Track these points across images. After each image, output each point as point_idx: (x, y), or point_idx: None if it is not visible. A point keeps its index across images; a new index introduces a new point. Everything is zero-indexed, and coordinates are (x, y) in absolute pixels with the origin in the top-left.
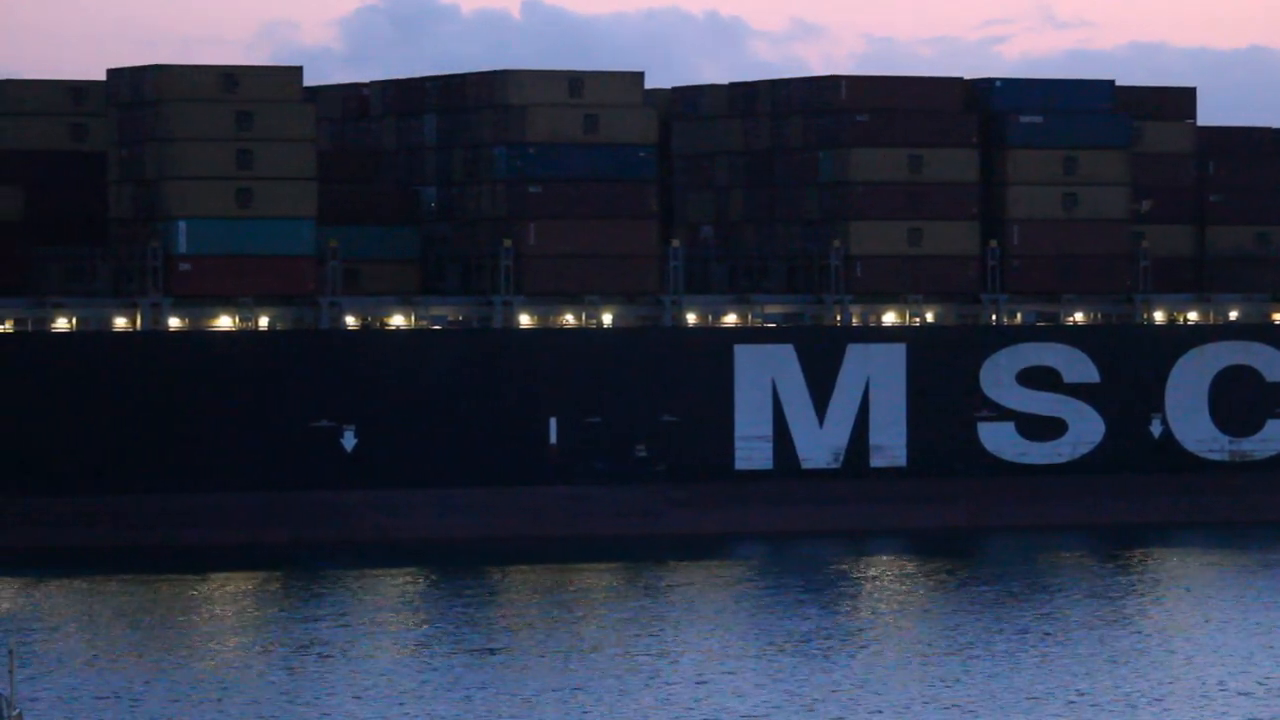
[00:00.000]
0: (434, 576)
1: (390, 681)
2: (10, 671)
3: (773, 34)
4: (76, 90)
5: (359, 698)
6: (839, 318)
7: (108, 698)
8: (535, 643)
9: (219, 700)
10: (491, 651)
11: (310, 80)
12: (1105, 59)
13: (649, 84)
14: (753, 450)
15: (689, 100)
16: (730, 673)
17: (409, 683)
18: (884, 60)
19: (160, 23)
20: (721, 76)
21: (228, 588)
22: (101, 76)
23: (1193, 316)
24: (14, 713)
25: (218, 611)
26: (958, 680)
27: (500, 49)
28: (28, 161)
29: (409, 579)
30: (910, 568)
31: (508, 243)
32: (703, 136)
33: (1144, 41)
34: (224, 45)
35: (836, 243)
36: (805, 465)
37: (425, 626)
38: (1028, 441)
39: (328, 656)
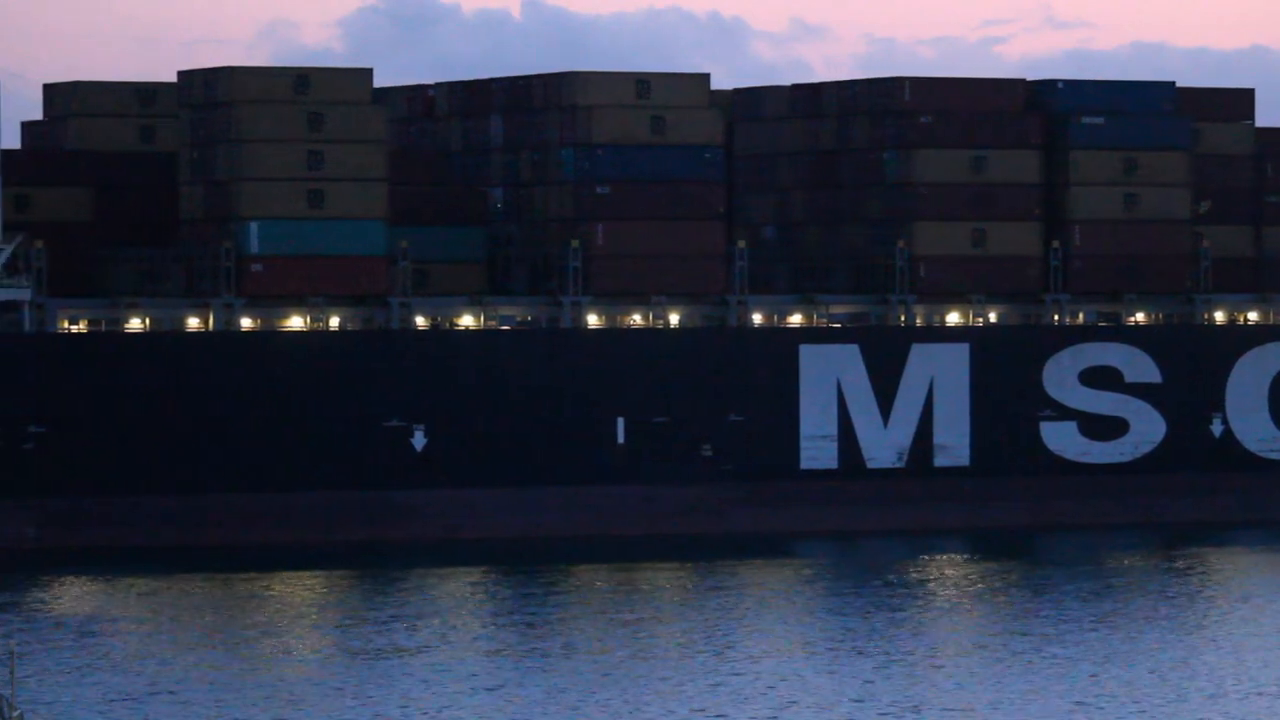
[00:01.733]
0: (502, 576)
1: (462, 682)
2: (11, 672)
3: (773, 34)
4: (145, 92)
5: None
6: (903, 318)
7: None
8: (600, 643)
9: (291, 701)
10: (556, 652)
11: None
12: (1106, 59)
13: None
14: (818, 450)
15: (751, 102)
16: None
17: (479, 683)
18: (884, 61)
19: (161, 22)
20: (721, 76)
21: (299, 587)
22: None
23: (1253, 316)
24: (15, 714)
25: (289, 611)
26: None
27: (501, 49)
28: (97, 163)
29: (478, 578)
30: (974, 567)
31: (576, 243)
32: (765, 138)
33: (1145, 41)
34: (224, 45)
35: (901, 243)
36: (870, 465)
37: (494, 627)
38: (1090, 441)
39: (399, 656)
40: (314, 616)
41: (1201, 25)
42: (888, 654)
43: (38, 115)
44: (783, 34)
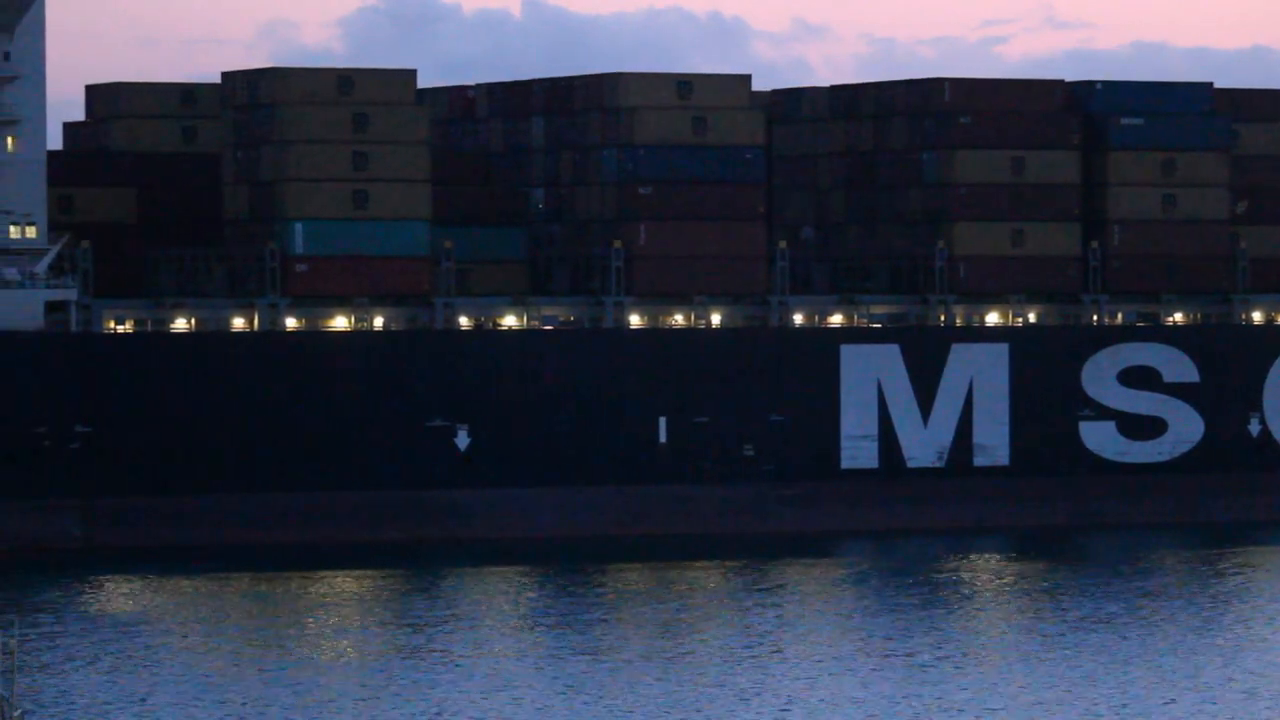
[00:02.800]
0: (544, 575)
1: (507, 682)
2: (12, 671)
3: (774, 34)
4: (187, 93)
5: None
6: (943, 318)
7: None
8: (643, 643)
9: (334, 699)
10: (600, 652)
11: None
12: (1107, 59)
13: None
14: (858, 449)
15: (790, 103)
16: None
17: (520, 683)
18: (885, 61)
19: (160, 22)
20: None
21: (342, 586)
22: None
23: None
24: (16, 713)
25: (333, 610)
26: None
27: (501, 49)
28: (141, 163)
29: (520, 577)
30: (1014, 567)
31: (618, 244)
32: (803, 138)
33: (1146, 41)
34: (224, 45)
35: (940, 243)
36: (910, 464)
37: (536, 627)
38: (1128, 440)
39: (442, 656)
40: (357, 616)
41: (1202, 25)
42: (931, 654)
43: (78, 116)
44: (784, 34)
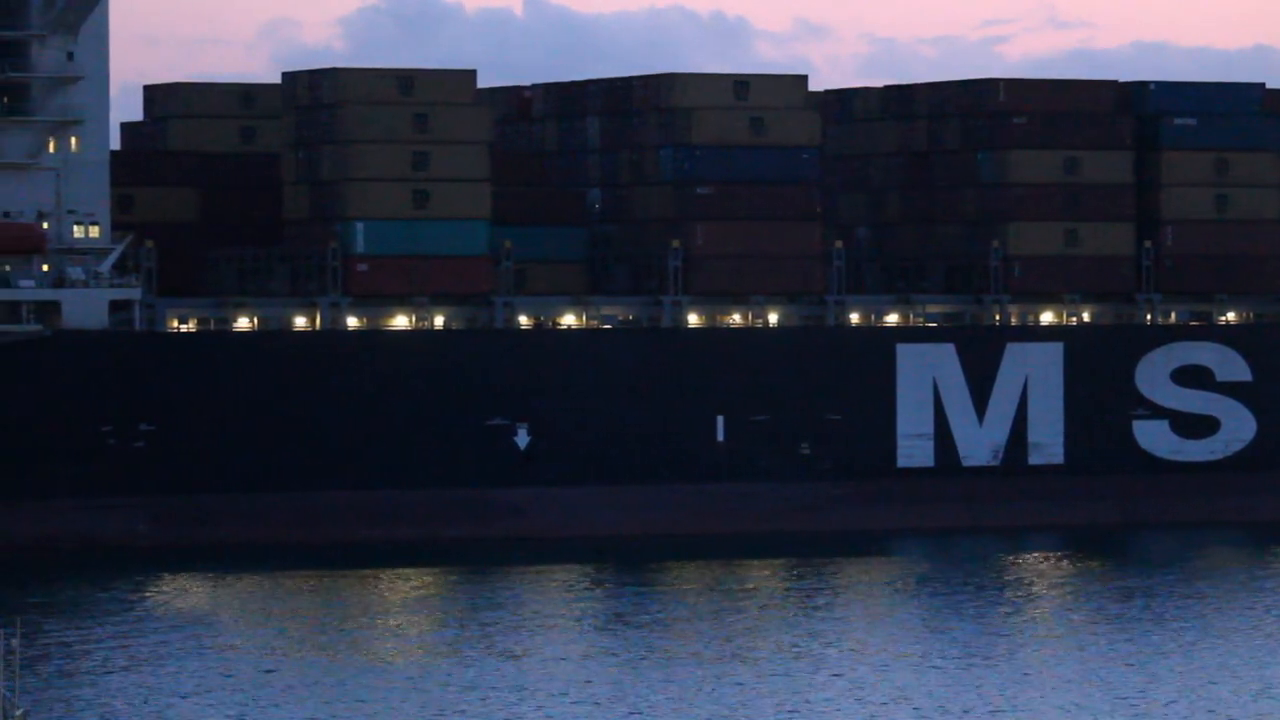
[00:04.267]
0: (603, 573)
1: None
2: (15, 670)
3: (776, 34)
4: (246, 93)
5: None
6: (998, 317)
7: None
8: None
9: (402, 700)
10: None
11: None
12: (1108, 58)
13: None
14: (914, 448)
15: (843, 103)
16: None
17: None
18: (886, 61)
19: (162, 21)
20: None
21: (403, 584)
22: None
23: None
24: (18, 713)
25: (394, 609)
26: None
27: (503, 48)
28: (201, 163)
29: (579, 576)
30: (1069, 564)
31: (676, 243)
32: (857, 138)
33: (1147, 41)
34: (225, 45)
35: (996, 243)
36: (965, 463)
37: (597, 624)
38: (1181, 439)
39: (501, 654)
40: (417, 615)
41: (1203, 25)
42: (990, 652)
43: (136, 116)
44: (785, 33)
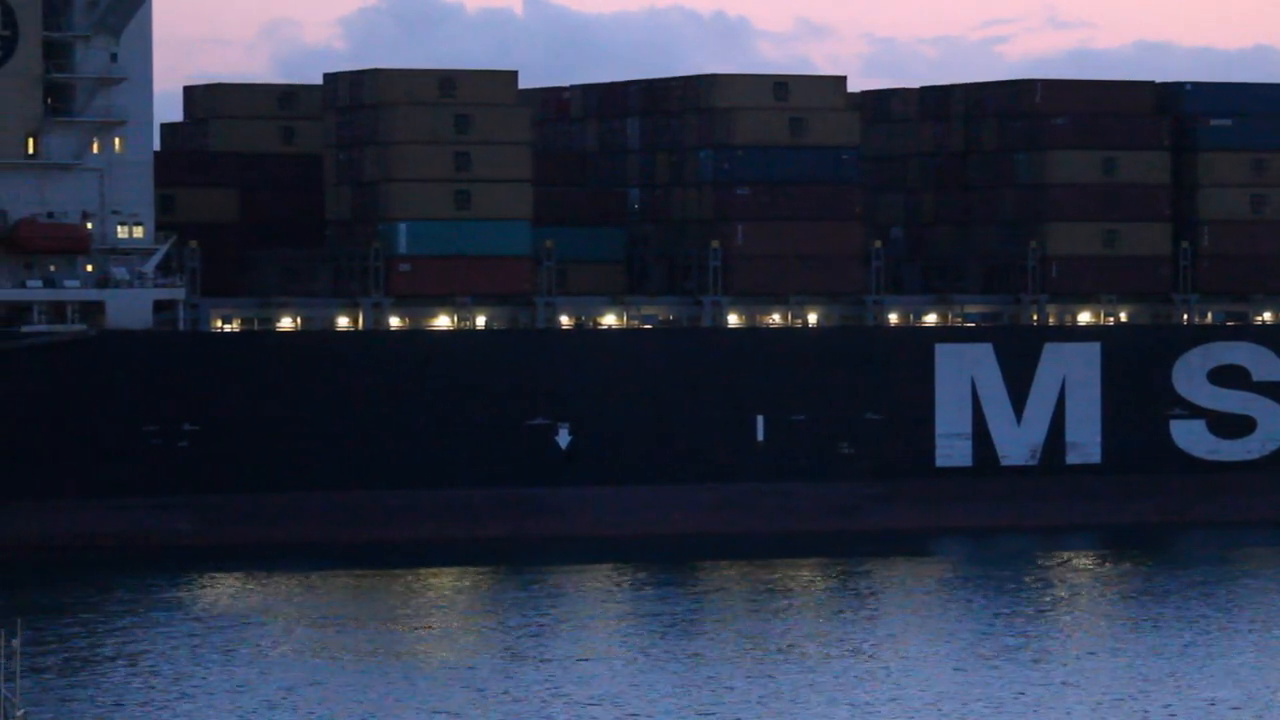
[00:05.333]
0: (644, 572)
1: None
2: (15, 671)
3: (777, 34)
4: (286, 94)
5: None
6: (1035, 317)
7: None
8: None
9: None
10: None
11: None
12: (1109, 58)
13: None
14: (953, 448)
15: (879, 103)
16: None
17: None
18: (887, 61)
19: (161, 22)
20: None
21: (445, 584)
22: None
23: None
24: (19, 713)
25: (436, 608)
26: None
27: (504, 48)
28: (242, 164)
29: (620, 574)
30: (1109, 564)
31: (716, 244)
32: (894, 139)
33: (1148, 41)
34: (225, 45)
35: (1034, 243)
36: (1004, 462)
37: (637, 626)
38: (1218, 439)
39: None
40: (459, 614)
41: (1205, 25)
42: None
43: (174, 117)
44: (786, 33)
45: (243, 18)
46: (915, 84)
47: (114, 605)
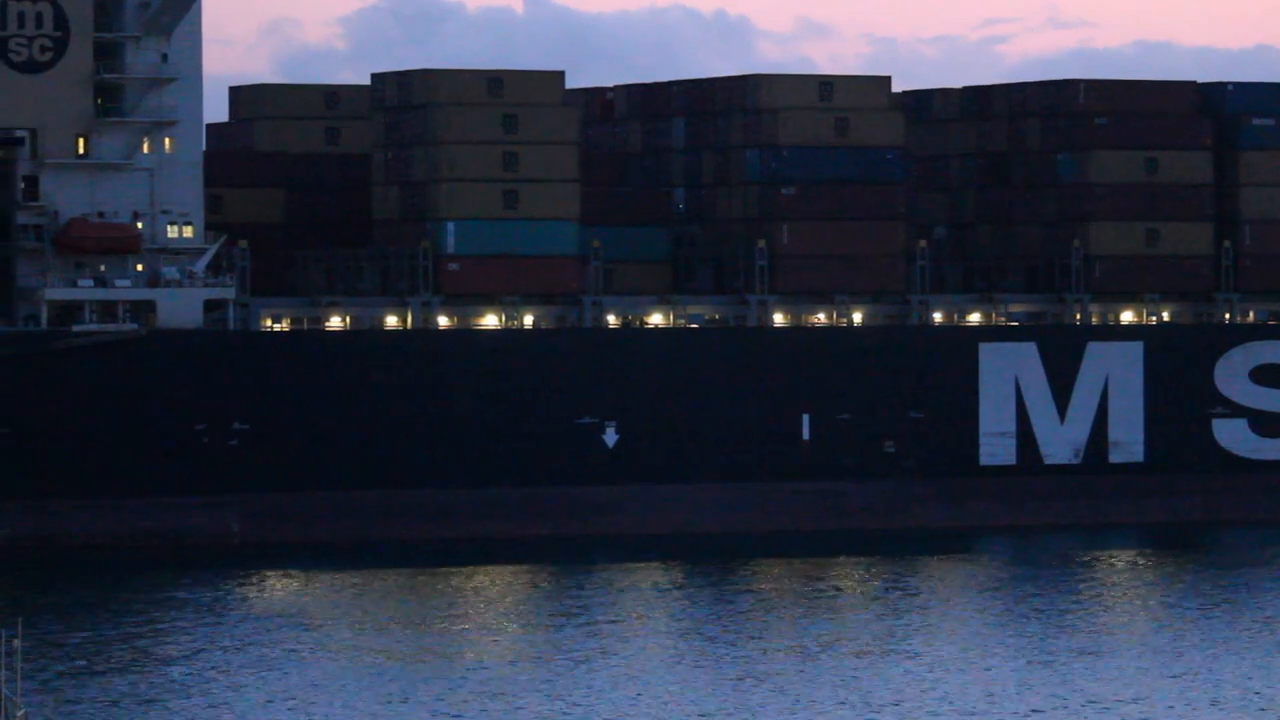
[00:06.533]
0: (691, 571)
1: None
2: (16, 671)
3: (778, 33)
4: (330, 94)
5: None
6: (1078, 316)
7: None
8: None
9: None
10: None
11: None
12: (1110, 58)
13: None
14: (997, 446)
15: (921, 103)
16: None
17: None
18: (888, 60)
19: None
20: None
21: (492, 582)
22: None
23: None
24: (20, 713)
25: (484, 605)
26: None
27: (505, 47)
28: (288, 164)
29: (667, 572)
30: (1154, 562)
31: (762, 243)
32: (936, 139)
33: (1148, 40)
34: (225, 45)
35: (1076, 243)
36: (1047, 461)
37: (685, 623)
38: (1260, 438)
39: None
40: (507, 612)
41: (1206, 24)
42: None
43: (219, 117)
44: (787, 33)
45: (243, 17)
46: (916, 84)
47: (168, 603)
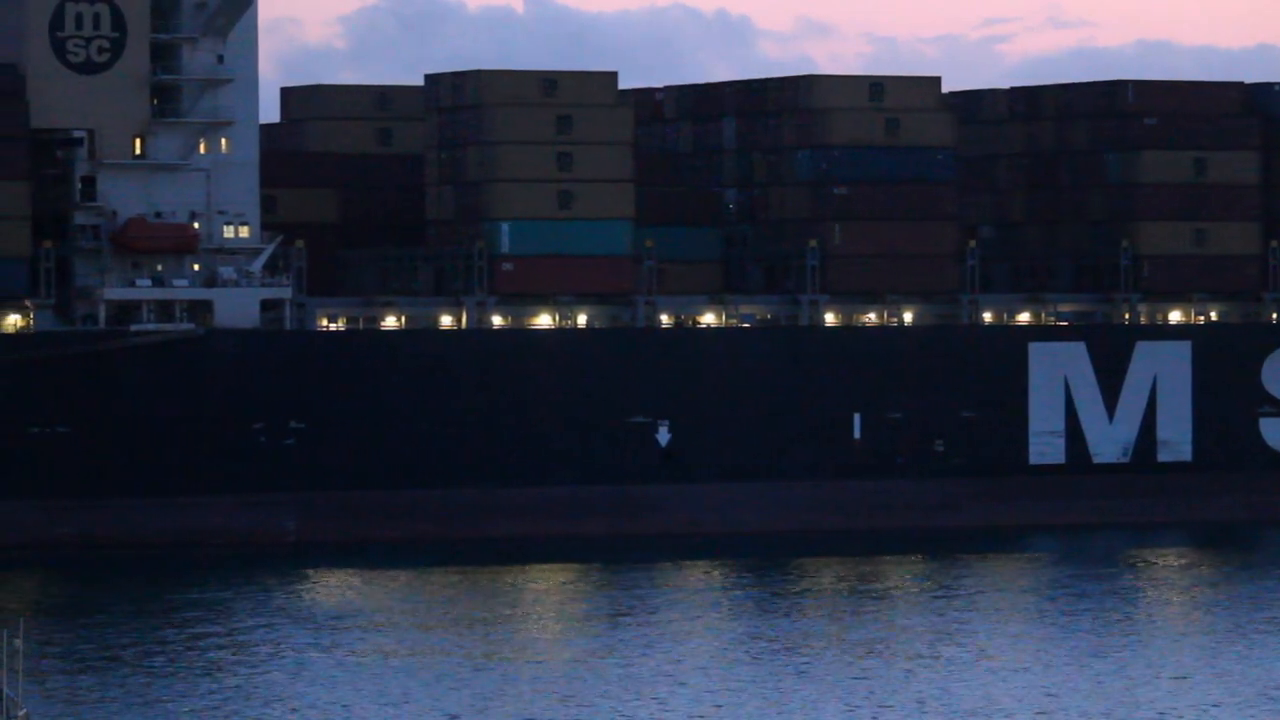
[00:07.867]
0: (744, 570)
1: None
2: (18, 671)
3: (779, 33)
4: (382, 95)
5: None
6: (1127, 316)
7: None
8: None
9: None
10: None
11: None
12: (1110, 58)
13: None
14: (1046, 445)
15: (969, 103)
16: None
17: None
18: (888, 60)
19: None
20: (727, 75)
21: (545, 580)
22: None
23: None
24: (20, 713)
25: (536, 604)
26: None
27: (505, 47)
28: (341, 165)
29: (720, 571)
30: (1204, 560)
31: (814, 243)
32: (983, 139)
33: (1149, 40)
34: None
35: (1125, 242)
36: (1096, 460)
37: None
38: None
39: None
40: (552, 612)
41: (1206, 24)
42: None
43: (271, 118)
44: (788, 32)
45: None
46: None
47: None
